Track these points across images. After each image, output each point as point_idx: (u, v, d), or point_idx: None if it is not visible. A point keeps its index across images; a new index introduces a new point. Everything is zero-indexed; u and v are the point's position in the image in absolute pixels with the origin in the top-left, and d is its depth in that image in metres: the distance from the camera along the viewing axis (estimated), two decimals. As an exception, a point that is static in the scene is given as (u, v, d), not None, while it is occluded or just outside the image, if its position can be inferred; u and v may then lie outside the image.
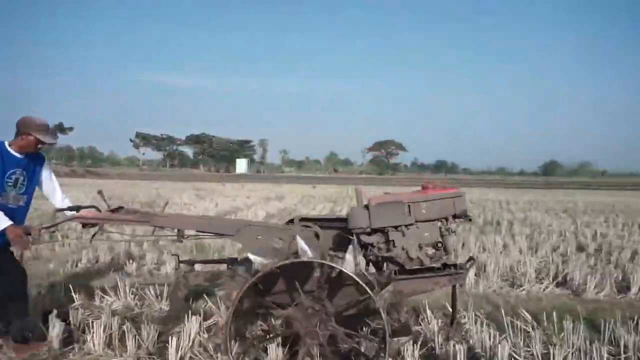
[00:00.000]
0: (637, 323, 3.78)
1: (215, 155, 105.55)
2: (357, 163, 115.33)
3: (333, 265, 2.74)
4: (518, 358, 3.17)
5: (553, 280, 5.27)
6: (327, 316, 2.73)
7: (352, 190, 26.97)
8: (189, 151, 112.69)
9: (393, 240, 3.02)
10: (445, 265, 3.04)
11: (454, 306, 3.49)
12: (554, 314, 3.84)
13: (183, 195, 18.20)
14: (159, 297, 4.34)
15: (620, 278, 5.43)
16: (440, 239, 3.06)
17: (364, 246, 3.10)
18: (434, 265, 3.02)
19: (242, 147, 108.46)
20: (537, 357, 3.16)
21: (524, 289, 5.02)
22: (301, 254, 2.78)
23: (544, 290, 5.02)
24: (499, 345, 3.10)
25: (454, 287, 3.37)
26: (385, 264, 3.12)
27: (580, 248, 7.43)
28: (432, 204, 3.05)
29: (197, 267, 3.85)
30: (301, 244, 2.80)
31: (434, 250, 3.04)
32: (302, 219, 3.46)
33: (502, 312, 3.87)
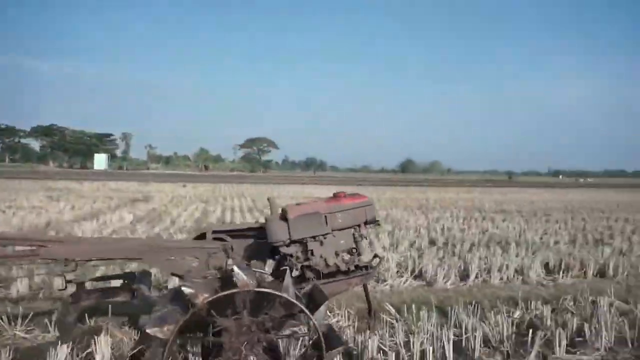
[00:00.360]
0: (474, 307, 4.53)
1: (69, 149, 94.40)
2: (229, 159, 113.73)
3: (307, 313, 2.68)
4: (384, 348, 3.57)
5: (411, 274, 5.98)
6: (257, 341, 2.71)
7: (224, 188, 26.57)
8: (35, 144, 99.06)
9: (312, 250, 3.16)
10: (357, 267, 3.26)
11: (368, 300, 3.76)
12: (413, 305, 4.40)
13: (31, 196, 16.03)
14: (12, 321, 3.86)
15: (462, 268, 6.36)
16: (354, 245, 3.29)
17: (283, 257, 3.18)
18: (348, 268, 3.23)
19: (102, 141, 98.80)
20: (400, 346, 3.60)
21: (387, 284, 5.61)
22: (284, 290, 2.72)
23: (404, 283, 5.67)
24: (369, 339, 3.46)
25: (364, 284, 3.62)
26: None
27: (432, 242, 8.48)
28: (347, 213, 3.27)
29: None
30: (287, 280, 2.77)
31: (349, 256, 3.27)
32: (214, 232, 3.37)
33: (371, 307, 4.30)
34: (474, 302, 4.67)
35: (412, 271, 6.08)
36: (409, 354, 3.46)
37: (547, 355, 3.56)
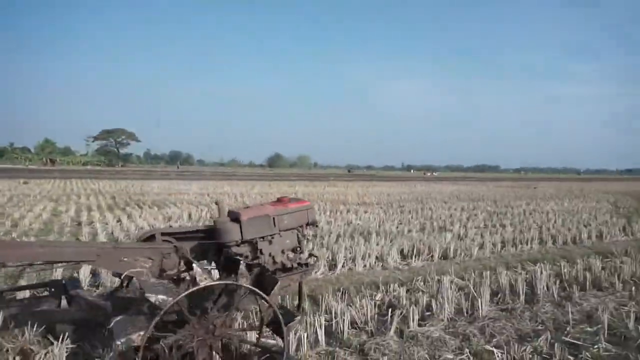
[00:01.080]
0: (342, 293, 4.94)
1: None
2: (81, 152, 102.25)
3: (261, 294, 2.89)
4: (262, 340, 3.71)
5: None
6: (208, 347, 2.83)
7: (77, 185, 23.92)
8: None
9: (261, 249, 3.41)
10: (299, 264, 3.55)
11: (300, 296, 4.06)
12: (287, 296, 4.62)
13: None
14: None
15: (330, 258, 6.82)
16: (298, 244, 3.61)
17: (230, 256, 3.35)
18: (291, 265, 3.52)
19: None
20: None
21: (262, 277, 5.76)
22: (239, 277, 2.91)
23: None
24: (247, 333, 3.57)
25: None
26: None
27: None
28: (292, 216, 3.59)
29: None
30: (242, 268, 2.98)
31: (293, 254, 3.57)
32: (163, 234, 3.41)
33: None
34: (341, 289, 5.09)
35: (285, 264, 6.32)
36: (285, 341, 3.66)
37: (404, 329, 4.08)
